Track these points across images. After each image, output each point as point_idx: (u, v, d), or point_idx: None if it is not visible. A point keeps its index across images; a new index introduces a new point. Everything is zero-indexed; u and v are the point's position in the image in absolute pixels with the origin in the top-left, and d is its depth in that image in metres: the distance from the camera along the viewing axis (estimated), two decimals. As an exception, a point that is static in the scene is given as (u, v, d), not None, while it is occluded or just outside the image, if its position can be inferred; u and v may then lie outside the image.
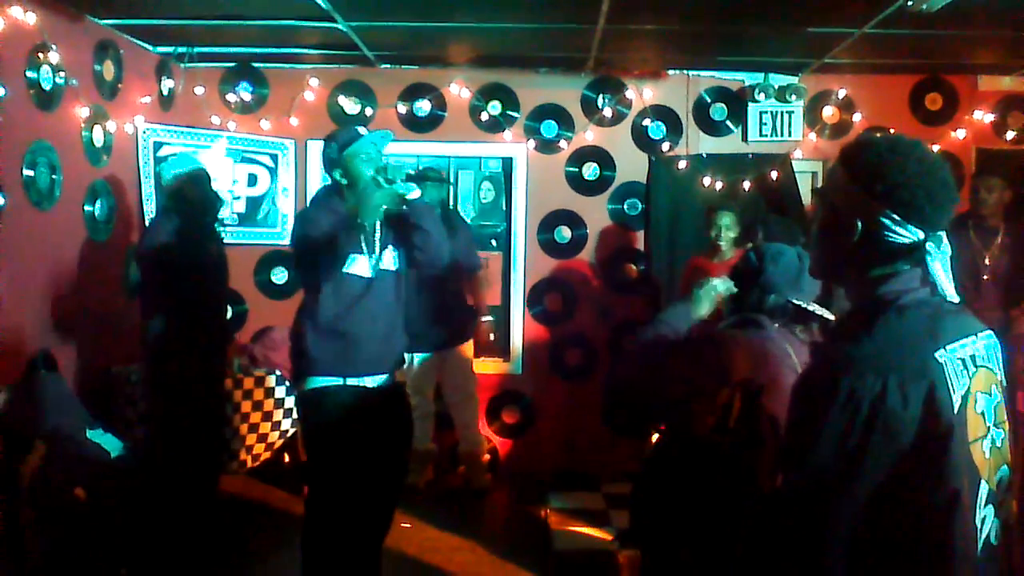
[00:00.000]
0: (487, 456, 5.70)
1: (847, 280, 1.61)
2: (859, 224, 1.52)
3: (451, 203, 5.97)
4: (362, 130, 3.41)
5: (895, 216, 1.49)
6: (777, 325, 2.26)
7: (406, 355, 5.24)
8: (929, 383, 1.38)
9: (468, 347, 5.47)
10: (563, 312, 5.99)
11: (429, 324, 5.15)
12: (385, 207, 3.31)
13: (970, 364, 1.46)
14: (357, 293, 3.32)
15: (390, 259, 3.43)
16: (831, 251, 1.60)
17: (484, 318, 5.66)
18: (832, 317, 2.26)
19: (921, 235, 1.51)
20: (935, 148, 5.68)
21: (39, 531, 3.60)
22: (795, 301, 2.26)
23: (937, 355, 1.42)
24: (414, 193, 3.29)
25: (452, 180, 6.12)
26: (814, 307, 2.27)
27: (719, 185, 5.70)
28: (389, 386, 3.50)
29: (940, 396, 1.39)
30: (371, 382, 3.38)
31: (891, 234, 1.50)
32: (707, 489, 2.05)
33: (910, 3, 3.86)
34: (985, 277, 4.91)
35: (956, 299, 1.53)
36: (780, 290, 2.28)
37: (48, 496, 3.67)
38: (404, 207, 3.33)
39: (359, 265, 3.32)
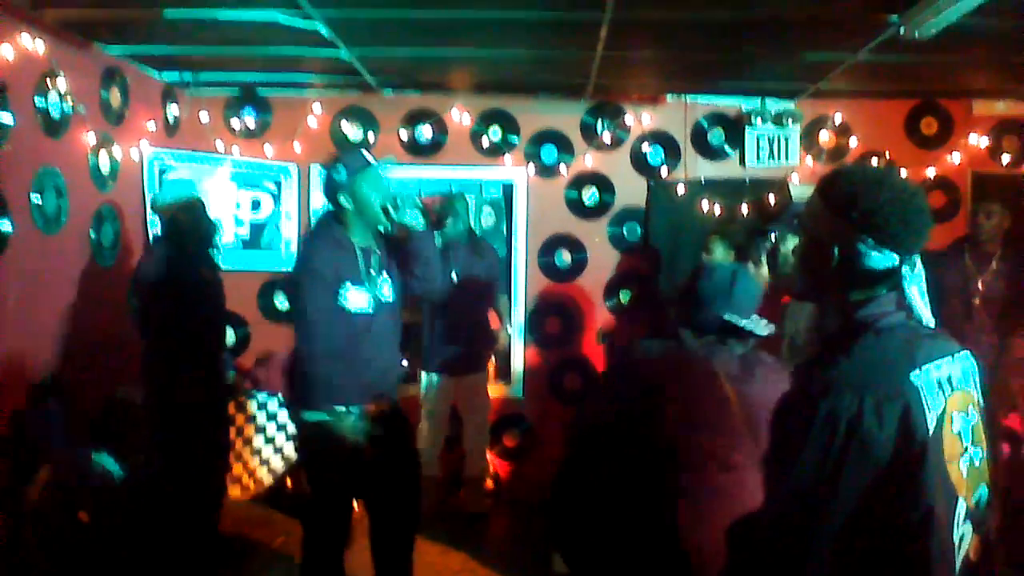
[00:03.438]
0: (490, 481, 5.73)
1: (828, 304, 1.66)
2: (836, 250, 1.57)
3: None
4: (369, 156, 3.43)
5: (871, 242, 1.55)
6: (711, 339, 2.33)
7: (424, 376, 5.32)
8: (904, 404, 1.43)
9: (486, 371, 5.53)
10: (563, 336, 6.03)
11: (453, 348, 5.19)
12: (387, 236, 3.36)
13: (946, 385, 1.51)
14: (357, 323, 3.32)
15: (388, 288, 3.45)
16: (811, 277, 1.65)
17: (503, 342, 5.70)
18: (764, 333, 2.35)
19: (897, 260, 1.56)
20: (931, 172, 5.78)
21: (43, 553, 3.63)
22: (728, 316, 2.33)
23: (912, 376, 1.46)
24: (419, 223, 3.34)
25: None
26: (746, 322, 2.34)
27: (717, 209, 5.76)
28: (390, 411, 3.51)
29: (915, 416, 1.43)
30: (372, 409, 3.38)
31: (867, 259, 1.56)
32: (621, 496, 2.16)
33: (902, 30, 3.92)
34: (977, 301, 4.94)
35: (932, 322, 1.57)
36: (712, 305, 2.35)
37: (52, 519, 3.70)
38: (408, 236, 3.37)
39: (358, 296, 3.32)
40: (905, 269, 1.55)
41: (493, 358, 5.68)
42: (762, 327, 2.38)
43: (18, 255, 3.96)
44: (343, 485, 3.39)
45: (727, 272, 2.41)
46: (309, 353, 3.28)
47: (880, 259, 1.55)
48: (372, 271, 3.39)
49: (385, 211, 3.27)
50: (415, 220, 3.31)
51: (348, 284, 3.29)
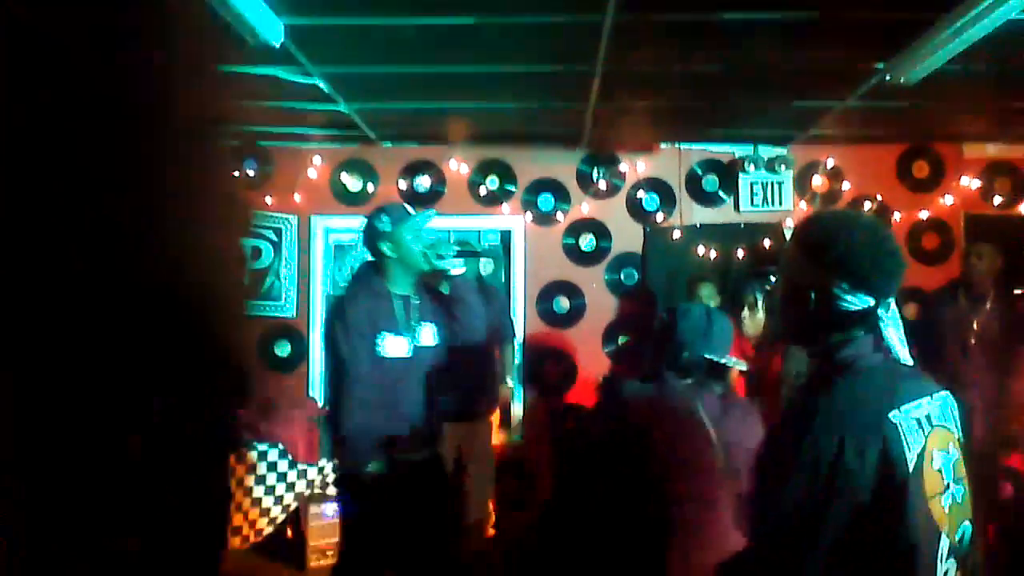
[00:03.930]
0: (491, 529, 5.71)
1: (808, 346, 1.70)
2: (813, 294, 1.62)
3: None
4: (410, 208, 3.52)
5: (845, 285, 1.59)
6: (690, 381, 2.39)
7: None
8: (884, 442, 1.47)
9: (490, 418, 5.53)
10: (563, 381, 6.05)
11: (461, 394, 5.20)
12: (427, 283, 3.42)
13: (925, 423, 1.54)
14: (397, 373, 3.34)
15: (429, 335, 3.48)
16: (790, 320, 1.70)
17: (507, 394, 5.71)
18: (744, 368, 2.42)
19: (872, 302, 1.60)
20: (924, 215, 5.85)
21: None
22: (708, 355, 2.40)
23: (891, 416, 1.50)
24: (459, 269, 3.40)
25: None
26: (727, 359, 2.40)
27: (713, 254, 5.82)
28: (430, 459, 3.52)
29: (895, 454, 1.47)
30: (414, 458, 3.39)
31: (843, 303, 1.60)
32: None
33: (888, 77, 4.01)
34: (973, 341, 4.97)
35: (910, 361, 1.61)
36: (692, 346, 2.42)
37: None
38: (447, 283, 3.44)
39: (398, 345, 3.35)
40: (881, 311, 1.60)
41: (497, 406, 5.67)
42: (741, 363, 2.45)
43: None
44: (375, 548, 3.38)
45: (702, 312, 2.49)
46: (344, 404, 3.30)
47: (855, 302, 1.60)
48: (411, 319, 3.44)
49: (426, 258, 3.35)
50: (453, 267, 3.38)
51: (385, 333, 3.34)
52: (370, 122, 5.36)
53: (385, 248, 3.41)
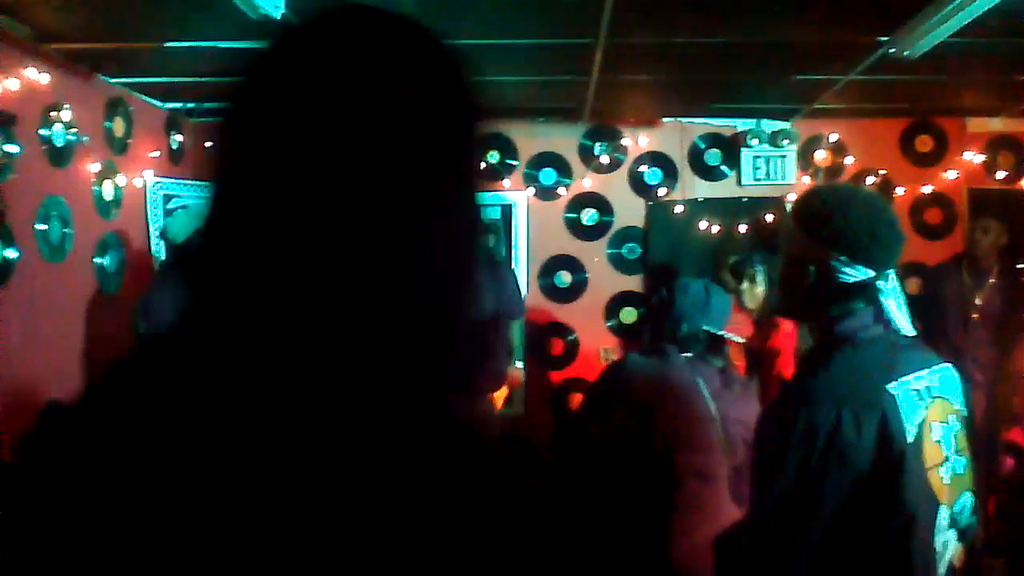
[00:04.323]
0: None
1: (809, 320, 1.71)
2: (812, 268, 1.62)
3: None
4: None
5: (843, 258, 1.59)
6: (691, 355, 2.43)
7: None
8: (882, 413, 1.47)
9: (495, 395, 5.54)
10: (564, 356, 6.07)
11: (469, 371, 5.20)
12: None
13: (925, 395, 1.55)
14: None
15: None
16: (791, 295, 1.71)
17: (516, 368, 5.71)
18: (742, 340, 2.46)
19: (871, 274, 1.60)
20: (927, 189, 5.83)
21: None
22: (706, 328, 2.44)
23: (889, 387, 1.51)
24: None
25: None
26: (724, 332, 2.44)
27: (715, 228, 5.81)
28: None
29: (893, 425, 1.47)
30: None
31: (842, 275, 1.60)
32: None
33: (891, 50, 3.98)
34: (975, 316, 4.98)
35: (912, 333, 1.62)
36: (691, 319, 2.45)
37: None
38: None
39: None
40: (881, 283, 1.60)
41: (503, 383, 5.66)
42: (738, 336, 2.49)
43: (24, 283, 4.01)
44: None
45: (700, 287, 2.52)
46: None
47: (854, 274, 1.60)
48: None
49: None
50: None
51: None
52: (371, 96, 5.33)
53: None
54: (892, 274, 1.63)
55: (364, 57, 0.74)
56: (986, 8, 3.31)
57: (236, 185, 0.73)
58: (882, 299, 1.60)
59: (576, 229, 6.05)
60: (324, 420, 0.64)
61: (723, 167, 5.99)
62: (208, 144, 4.22)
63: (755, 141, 5.84)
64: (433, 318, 0.73)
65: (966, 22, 3.47)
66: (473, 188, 0.80)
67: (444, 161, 0.75)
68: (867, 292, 1.61)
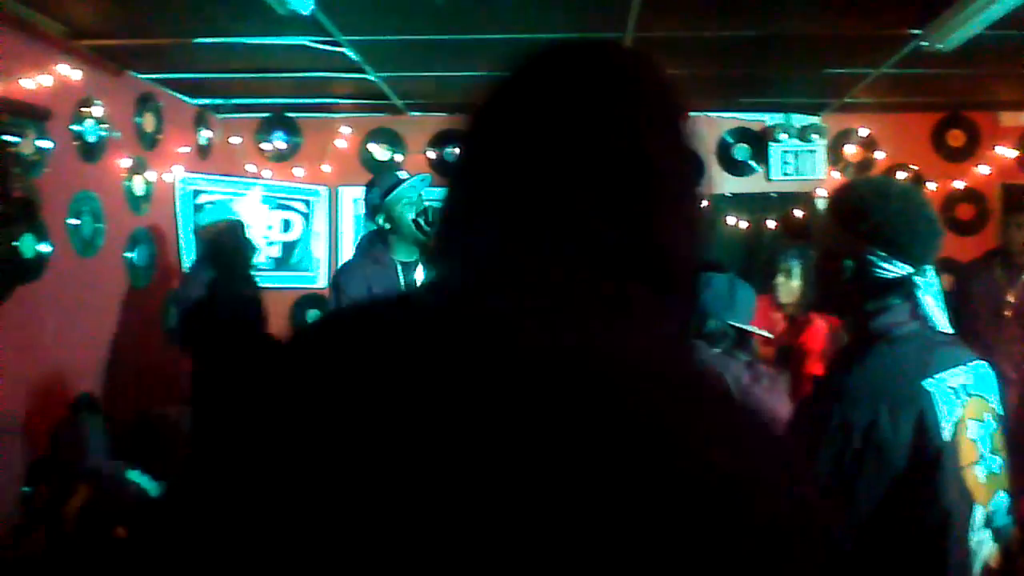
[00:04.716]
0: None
1: (844, 315, 1.69)
2: (848, 263, 1.60)
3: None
4: (403, 175, 3.50)
5: (881, 253, 1.57)
6: (719, 350, 2.40)
7: None
8: (919, 410, 1.45)
9: None
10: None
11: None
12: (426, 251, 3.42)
13: (961, 392, 1.52)
14: None
15: None
16: (826, 290, 1.69)
17: None
18: (770, 336, 2.42)
19: (909, 270, 1.58)
20: (959, 184, 5.75)
21: (81, 571, 3.70)
22: (732, 323, 2.40)
23: (925, 384, 1.49)
24: None
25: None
26: (752, 328, 2.40)
27: (743, 224, 5.77)
28: None
29: (929, 423, 1.45)
30: None
31: (879, 270, 1.58)
32: None
33: (924, 43, 3.94)
34: (1007, 313, 4.90)
35: (948, 329, 1.59)
36: (717, 314, 2.41)
37: (91, 536, 3.77)
38: None
39: None
40: (918, 278, 1.58)
41: None
42: (764, 332, 2.46)
43: (57, 277, 4.06)
44: None
45: (724, 281, 2.49)
46: None
47: (891, 269, 1.58)
48: (411, 285, 3.45)
49: (418, 225, 3.34)
50: None
51: None
52: (398, 91, 5.35)
53: (379, 219, 3.45)
54: (930, 270, 1.60)
55: (604, 76, 0.82)
56: (1021, 1, 3.26)
57: (488, 181, 0.81)
58: (919, 295, 1.58)
59: (603, 224, 6.02)
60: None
61: (751, 162, 5.94)
62: (235, 140, 4.26)
63: (784, 136, 5.79)
64: (682, 299, 0.79)
65: (1000, 15, 3.43)
66: (696, 194, 0.85)
67: (671, 167, 0.80)
68: (904, 288, 1.58)
